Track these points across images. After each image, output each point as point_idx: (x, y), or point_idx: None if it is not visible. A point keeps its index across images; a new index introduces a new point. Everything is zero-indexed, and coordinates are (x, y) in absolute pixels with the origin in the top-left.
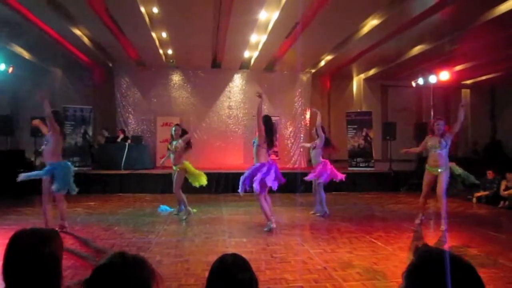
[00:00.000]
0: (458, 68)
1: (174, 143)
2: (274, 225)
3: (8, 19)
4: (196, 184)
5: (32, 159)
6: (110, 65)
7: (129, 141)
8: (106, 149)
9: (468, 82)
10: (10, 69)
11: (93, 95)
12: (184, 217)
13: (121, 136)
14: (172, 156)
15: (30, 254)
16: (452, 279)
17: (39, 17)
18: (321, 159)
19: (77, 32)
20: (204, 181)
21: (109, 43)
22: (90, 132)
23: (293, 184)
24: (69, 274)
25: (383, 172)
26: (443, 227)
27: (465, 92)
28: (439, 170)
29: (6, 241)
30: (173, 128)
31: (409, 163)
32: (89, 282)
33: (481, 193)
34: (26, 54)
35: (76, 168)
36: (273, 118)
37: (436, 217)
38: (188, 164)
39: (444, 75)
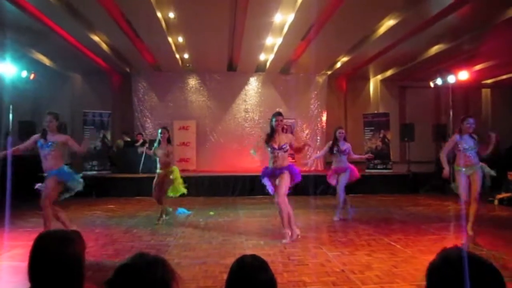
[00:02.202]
0: (477, 67)
1: (156, 147)
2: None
3: (30, 26)
4: (171, 194)
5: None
6: (128, 70)
7: (146, 145)
8: (124, 153)
9: (489, 81)
10: (32, 76)
11: (111, 100)
12: (159, 222)
13: (140, 140)
14: (157, 159)
15: (55, 254)
16: (473, 278)
17: (59, 25)
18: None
19: (96, 38)
20: (182, 190)
21: (127, 48)
22: (109, 137)
23: (310, 187)
24: (90, 275)
25: (401, 174)
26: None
27: (486, 92)
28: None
29: (30, 242)
30: (160, 131)
31: (428, 164)
32: (111, 283)
33: (503, 194)
34: (46, 61)
35: (95, 172)
36: (289, 121)
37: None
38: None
39: (463, 75)
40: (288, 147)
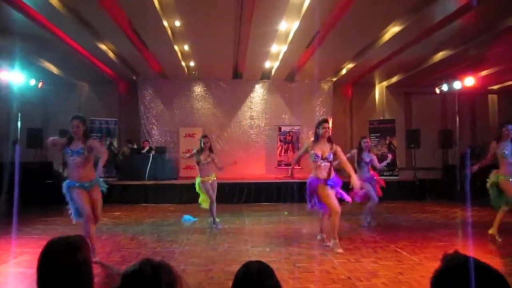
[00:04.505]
0: (483, 73)
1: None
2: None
3: (38, 35)
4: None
5: (60, 170)
6: (134, 78)
7: (153, 152)
8: (130, 160)
9: (495, 87)
10: (40, 84)
11: (118, 107)
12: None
13: (147, 147)
14: (200, 167)
15: (65, 261)
16: (479, 285)
17: (67, 33)
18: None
19: (103, 47)
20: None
21: (133, 56)
22: (115, 144)
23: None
24: (97, 282)
25: (407, 180)
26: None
27: (492, 98)
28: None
29: (37, 249)
30: (203, 140)
31: (435, 171)
32: None
33: None
34: (54, 69)
35: (101, 179)
36: (294, 128)
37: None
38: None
39: (469, 81)
40: (332, 157)
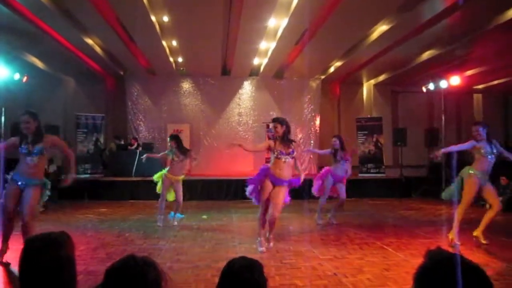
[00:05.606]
0: (469, 72)
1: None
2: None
3: (23, 29)
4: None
5: (46, 166)
6: (122, 73)
7: (140, 148)
8: (117, 156)
9: (480, 86)
10: (25, 79)
11: (104, 103)
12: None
13: (135, 144)
14: (171, 164)
15: (48, 257)
16: (463, 282)
17: (53, 27)
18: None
19: (90, 41)
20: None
21: (121, 52)
22: (102, 140)
23: (302, 191)
24: (81, 279)
25: (394, 178)
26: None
27: (477, 97)
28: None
29: (21, 246)
30: (169, 141)
31: (421, 169)
32: (103, 285)
33: None
34: (39, 64)
35: (87, 175)
36: None
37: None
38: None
39: (455, 80)
40: (294, 153)
